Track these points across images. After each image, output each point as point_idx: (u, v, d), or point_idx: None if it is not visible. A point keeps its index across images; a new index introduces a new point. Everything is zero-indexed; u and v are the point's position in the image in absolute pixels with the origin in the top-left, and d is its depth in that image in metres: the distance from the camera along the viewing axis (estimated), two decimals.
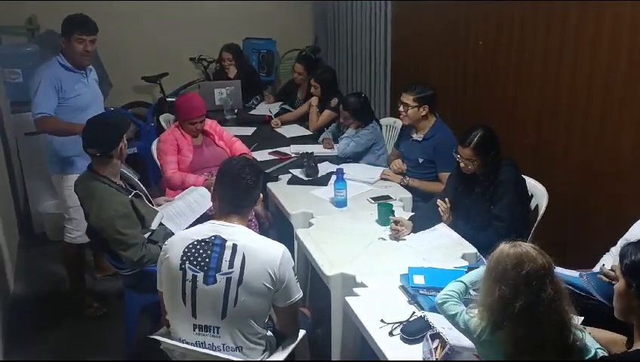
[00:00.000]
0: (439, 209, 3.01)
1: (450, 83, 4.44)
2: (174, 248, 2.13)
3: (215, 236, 2.11)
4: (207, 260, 2.07)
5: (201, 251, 2.09)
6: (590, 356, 1.75)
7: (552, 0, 3.35)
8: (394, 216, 2.98)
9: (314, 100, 4.79)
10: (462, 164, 3.01)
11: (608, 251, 2.51)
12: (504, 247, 1.74)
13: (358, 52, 6.04)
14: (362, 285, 2.48)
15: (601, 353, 1.78)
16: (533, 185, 3.18)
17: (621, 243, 2.10)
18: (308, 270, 3.13)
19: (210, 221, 2.20)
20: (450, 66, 4.48)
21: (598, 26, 3.06)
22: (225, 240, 2.09)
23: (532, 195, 3.16)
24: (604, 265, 2.41)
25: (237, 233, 2.12)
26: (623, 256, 1.70)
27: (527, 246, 1.72)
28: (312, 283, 3.17)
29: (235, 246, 2.08)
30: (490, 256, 1.77)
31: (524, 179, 3.07)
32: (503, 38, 3.83)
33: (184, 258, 2.09)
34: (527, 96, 3.66)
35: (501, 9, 3.80)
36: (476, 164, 2.96)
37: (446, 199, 3.06)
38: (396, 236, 2.88)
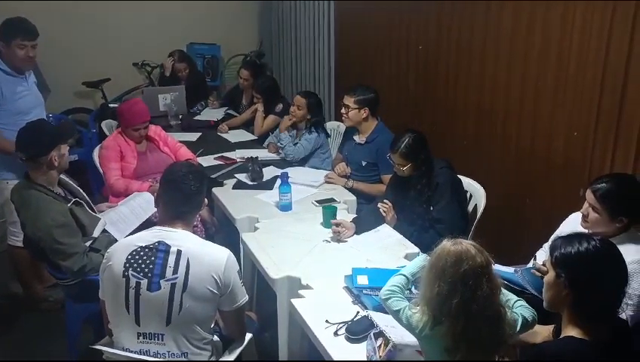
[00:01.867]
0: (381, 210, 3.07)
1: (393, 84, 4.51)
2: (117, 255, 2.10)
3: (159, 242, 2.09)
4: (151, 266, 2.05)
5: (144, 257, 2.06)
6: (519, 322, 1.84)
7: (489, 0, 3.45)
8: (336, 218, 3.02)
9: (259, 105, 4.80)
10: (395, 168, 3.11)
11: (542, 247, 2.63)
12: (446, 244, 1.79)
13: (302, 55, 6.07)
14: (307, 287, 2.50)
15: (527, 311, 1.88)
16: (472, 185, 3.26)
17: (552, 239, 2.20)
18: (254, 274, 3.14)
19: (154, 227, 2.18)
20: (392, 68, 4.55)
21: (529, 30, 3.17)
22: (169, 246, 2.08)
23: (471, 196, 3.26)
24: (534, 258, 2.52)
25: (181, 238, 2.11)
26: (553, 248, 1.80)
27: (467, 245, 1.77)
28: (259, 287, 3.18)
29: (179, 252, 2.06)
30: (433, 253, 1.82)
31: (459, 180, 3.16)
32: (442, 41, 3.91)
33: (127, 265, 2.06)
34: (466, 97, 3.75)
35: (441, 10, 3.89)
36: (408, 168, 3.04)
37: (385, 201, 3.12)
38: (338, 237, 2.93)
